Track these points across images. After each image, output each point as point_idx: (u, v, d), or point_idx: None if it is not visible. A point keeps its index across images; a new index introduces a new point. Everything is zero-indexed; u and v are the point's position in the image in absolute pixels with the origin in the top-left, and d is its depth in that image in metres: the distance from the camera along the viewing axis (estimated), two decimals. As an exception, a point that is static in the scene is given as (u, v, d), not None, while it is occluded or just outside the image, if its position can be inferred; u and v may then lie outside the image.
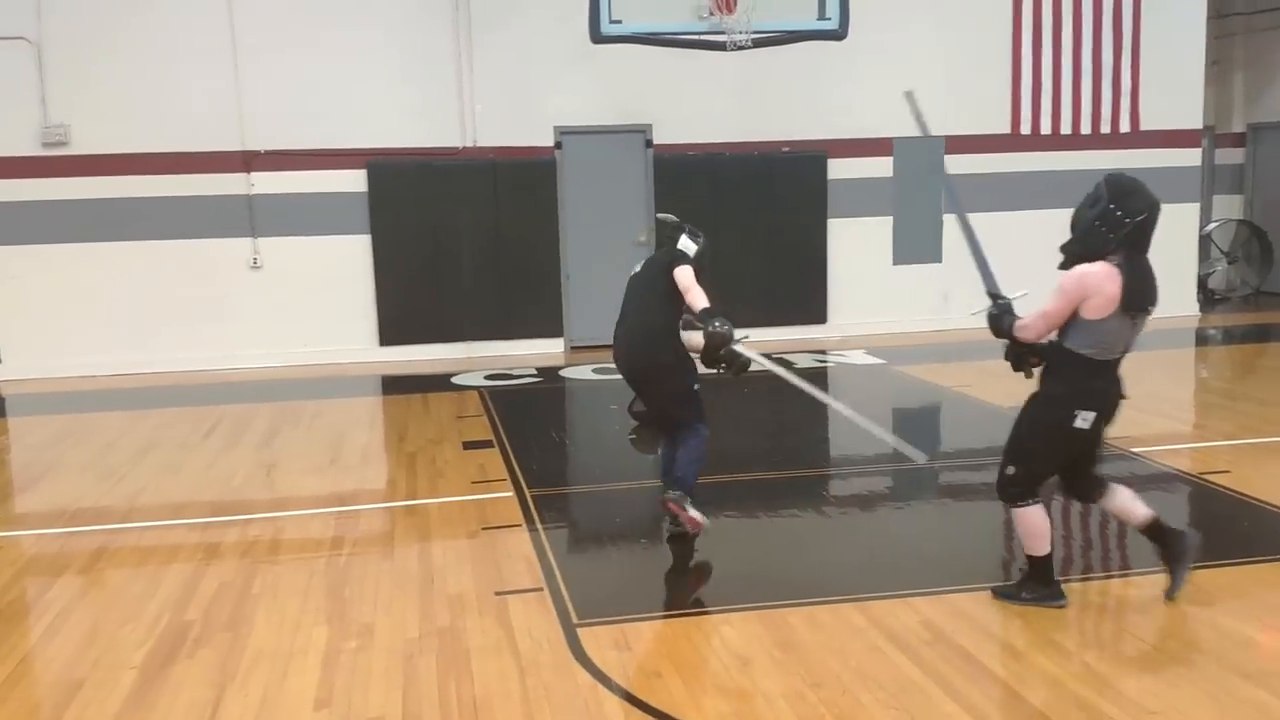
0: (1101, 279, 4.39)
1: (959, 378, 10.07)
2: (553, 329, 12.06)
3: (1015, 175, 12.74)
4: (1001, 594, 4.86)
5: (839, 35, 8.86)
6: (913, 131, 12.75)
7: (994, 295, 4.96)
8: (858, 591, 4.95)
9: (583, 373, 10.92)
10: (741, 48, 8.50)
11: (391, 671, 4.35)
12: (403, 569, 5.52)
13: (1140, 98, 12.85)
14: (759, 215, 12.29)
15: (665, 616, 4.77)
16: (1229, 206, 15.38)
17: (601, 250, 12.11)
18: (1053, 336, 4.63)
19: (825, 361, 11.27)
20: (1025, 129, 12.72)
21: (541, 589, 5.13)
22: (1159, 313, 13.85)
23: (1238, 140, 15.52)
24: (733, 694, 4.06)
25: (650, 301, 5.94)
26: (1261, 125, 15.18)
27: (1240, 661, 4.17)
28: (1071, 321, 4.47)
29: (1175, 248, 13.25)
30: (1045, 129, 12.74)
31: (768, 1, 8.42)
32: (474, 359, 11.62)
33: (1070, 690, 4.01)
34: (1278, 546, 5.44)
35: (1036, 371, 4.80)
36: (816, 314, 12.57)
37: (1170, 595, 4.77)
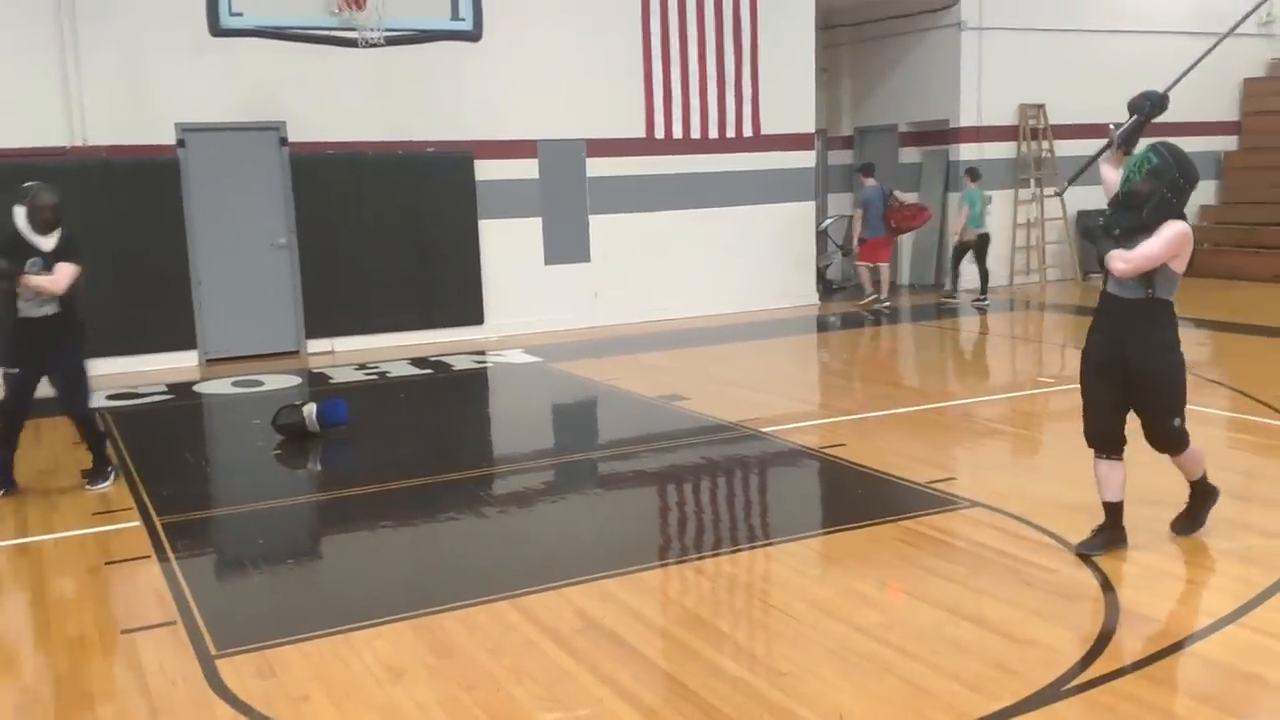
0: (1190, 236, 4.86)
1: (609, 372, 10.41)
2: (184, 341, 11.24)
3: (651, 178, 13.31)
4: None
5: (473, 36, 8.87)
6: (556, 134, 13.06)
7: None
8: (514, 588, 4.96)
9: (221, 387, 10.27)
10: (373, 45, 8.30)
11: (-3, 731, 3.89)
12: (13, 614, 4.99)
13: (760, 104, 13.80)
14: (407, 216, 12.09)
15: (314, 637, 4.55)
16: (842, 203, 16.88)
17: (237, 255, 11.44)
18: (1135, 292, 4.89)
19: (484, 362, 11.28)
20: (659, 133, 13.31)
21: (175, 622, 4.76)
22: (784, 302, 14.90)
23: (847, 142, 17.08)
24: (385, 708, 3.94)
25: None
26: (867, 128, 16.78)
27: (858, 618, 4.55)
28: (1161, 273, 4.84)
29: (796, 242, 14.39)
30: (677, 134, 13.40)
31: (400, -1, 8.28)
32: (93, 377, 10.55)
33: (710, 660, 4.22)
34: (887, 509, 5.99)
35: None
36: (473, 315, 12.54)
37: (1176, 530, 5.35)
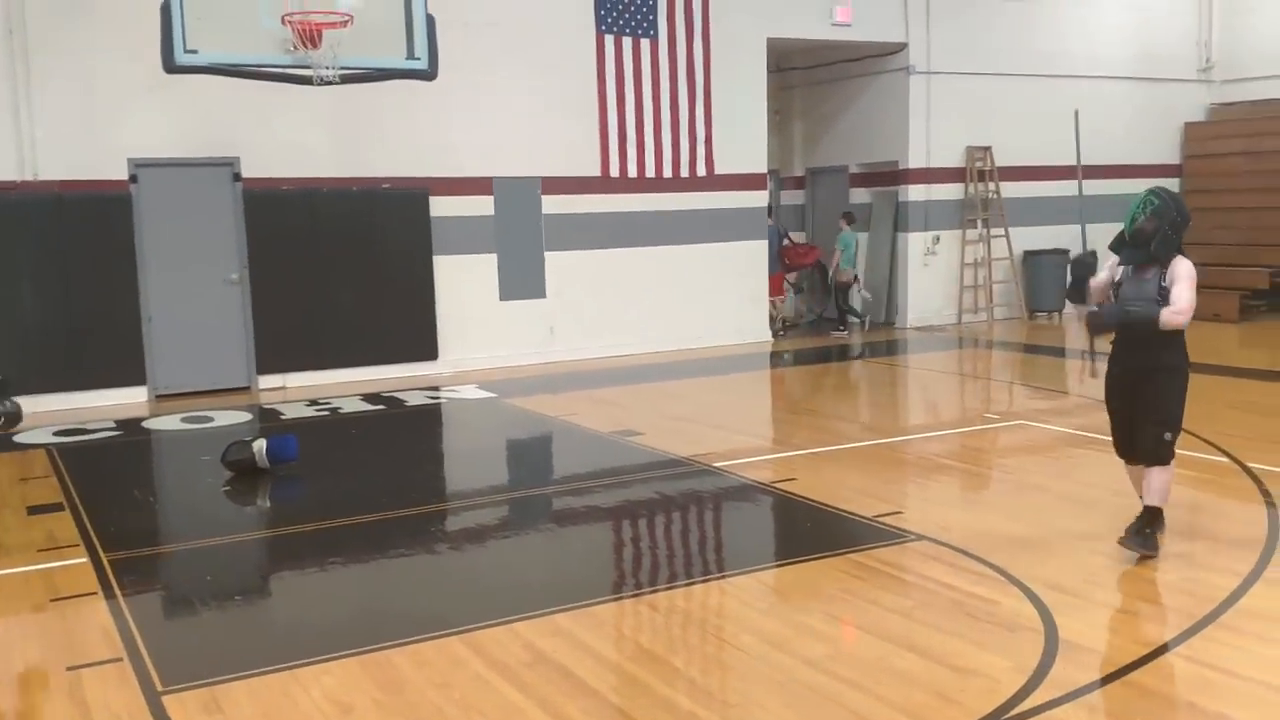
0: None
1: (564, 407, 10.44)
2: (134, 377, 11.14)
3: (606, 215, 13.44)
4: (1140, 546, 5.53)
5: (429, 75, 8.93)
6: (511, 172, 13.18)
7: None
8: (463, 623, 4.97)
9: (170, 423, 10.18)
10: (329, 83, 8.33)
11: (-65, 772, 3.83)
12: (-46, 653, 4.89)
13: (713, 144, 14.00)
14: (362, 252, 12.08)
15: (261, 673, 4.53)
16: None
17: (189, 291, 11.38)
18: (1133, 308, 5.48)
19: (438, 398, 11.27)
20: (614, 172, 13.45)
21: (121, 659, 4.72)
22: (737, 339, 14.99)
23: (799, 182, 17.33)
24: (333, 743, 3.94)
25: None
26: (818, 169, 17.04)
27: (806, 651, 4.61)
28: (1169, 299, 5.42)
29: (749, 280, 14.55)
30: (632, 173, 13.55)
31: (355, 38, 8.31)
32: (40, 414, 10.44)
33: (657, 693, 4.26)
34: (835, 542, 6.07)
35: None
36: (427, 350, 12.53)
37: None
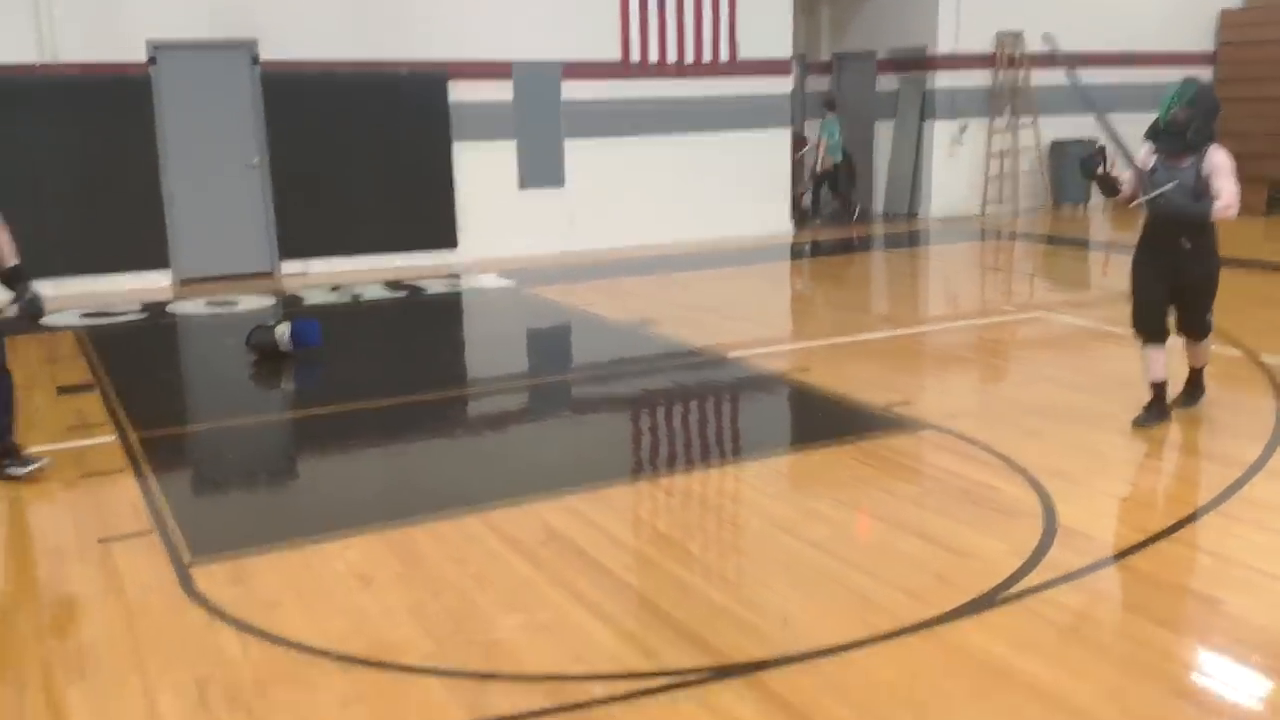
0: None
1: (582, 297, 10.50)
2: (158, 260, 11.27)
3: (627, 101, 13.28)
4: (1190, 405, 6.13)
5: (447, -45, 8.79)
6: (531, 56, 12.99)
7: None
8: (481, 503, 5.12)
9: (195, 307, 10.32)
10: (345, -36, 8.23)
11: (-22, 633, 4.04)
12: (-10, 526, 5.10)
13: (737, 29, 13.73)
14: (380, 137, 12.05)
15: (285, 548, 4.71)
16: (819, 131, 16.84)
17: (210, 175, 11.42)
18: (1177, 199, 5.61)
19: (458, 286, 11.35)
20: (635, 57, 13.24)
21: (150, 532, 4.90)
22: (758, 229, 14.94)
23: (825, 68, 17.00)
24: (353, 613, 4.11)
25: None
26: (845, 54, 16.70)
27: (811, 533, 4.74)
28: (1211, 189, 5.55)
29: (772, 169, 14.41)
30: (653, 58, 13.34)
31: (371, -84, 8.19)
32: (66, 296, 10.60)
33: (667, 571, 4.41)
34: (844, 431, 6.15)
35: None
36: (446, 238, 12.57)
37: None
